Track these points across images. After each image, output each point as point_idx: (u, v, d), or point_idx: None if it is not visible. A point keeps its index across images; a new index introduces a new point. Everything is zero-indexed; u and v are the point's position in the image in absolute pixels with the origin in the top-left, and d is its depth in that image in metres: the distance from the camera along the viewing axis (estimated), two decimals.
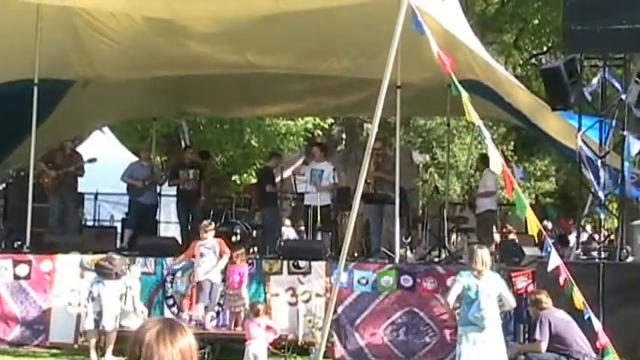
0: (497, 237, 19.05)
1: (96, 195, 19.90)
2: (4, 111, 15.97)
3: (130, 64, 17.10)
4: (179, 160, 19.94)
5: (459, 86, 11.47)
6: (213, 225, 14.47)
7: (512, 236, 20.42)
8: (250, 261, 14.45)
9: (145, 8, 15.70)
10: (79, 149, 18.64)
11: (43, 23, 14.62)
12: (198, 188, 18.22)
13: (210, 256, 14.01)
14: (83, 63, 17.30)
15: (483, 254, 10.90)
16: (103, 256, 13.68)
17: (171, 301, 14.61)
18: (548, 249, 11.16)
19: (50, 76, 15.91)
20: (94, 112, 19.93)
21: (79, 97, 18.12)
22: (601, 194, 13.68)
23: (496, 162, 11.40)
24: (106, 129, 24.42)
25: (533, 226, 11.00)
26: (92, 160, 17.53)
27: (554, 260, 11.08)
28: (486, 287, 10.71)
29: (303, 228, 19.21)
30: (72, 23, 15.78)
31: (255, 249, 17.71)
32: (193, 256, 14.14)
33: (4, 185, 19.90)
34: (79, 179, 17.74)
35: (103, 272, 13.30)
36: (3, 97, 15.55)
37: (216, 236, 14.37)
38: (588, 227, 17.49)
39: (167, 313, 14.51)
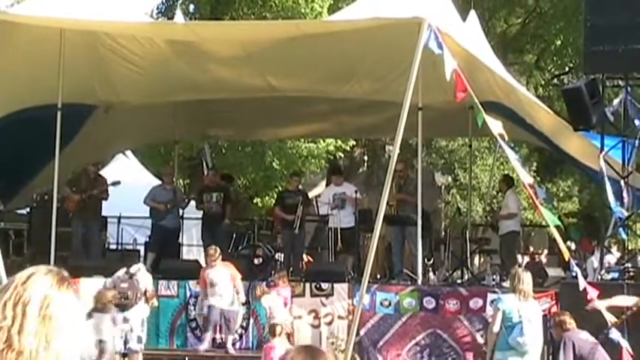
0: (519, 258, 18.98)
1: (119, 218, 19.98)
2: (29, 135, 16.11)
3: (152, 88, 17.18)
4: (203, 183, 19.99)
5: (478, 103, 11.52)
6: (218, 253, 14.42)
7: (538, 258, 20.40)
8: (293, 284, 14.48)
9: (167, 32, 15.85)
10: (102, 173, 18.72)
11: (66, 48, 14.72)
12: (222, 211, 18.18)
13: (222, 284, 14.01)
14: (106, 87, 17.40)
15: (527, 277, 10.89)
16: (114, 293, 13.61)
17: (194, 324, 14.64)
18: (574, 270, 11.16)
19: (73, 100, 15.98)
20: (116, 135, 20.03)
21: (101, 121, 18.22)
22: (625, 214, 13.63)
23: (524, 175, 11.56)
24: (128, 152, 24.54)
25: (564, 248, 11.05)
26: (116, 183, 17.61)
27: (582, 282, 11.09)
28: (529, 312, 10.67)
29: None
30: (95, 48, 15.89)
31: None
32: (204, 286, 14.18)
33: (27, 209, 20.00)
34: (103, 203, 17.80)
35: (124, 306, 13.38)
36: (27, 121, 15.68)
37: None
38: (614, 248, 17.37)
39: (190, 336, 14.55)
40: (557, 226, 12.55)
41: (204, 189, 18.76)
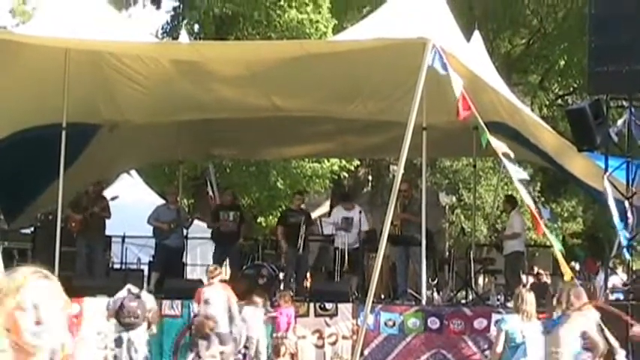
0: (524, 278, 18.93)
1: (123, 238, 19.97)
2: (33, 154, 16.13)
3: (157, 107, 17.20)
4: (217, 202, 20.05)
5: (482, 123, 11.53)
6: (219, 270, 14.36)
7: (542, 279, 20.36)
8: (297, 304, 14.45)
9: (172, 52, 15.88)
10: (106, 192, 18.73)
11: (71, 67, 14.74)
12: (237, 230, 18.21)
13: (217, 304, 13.82)
14: (110, 107, 17.42)
15: (530, 297, 10.85)
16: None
17: None
18: None
19: (78, 120, 16.01)
20: (121, 155, 20.05)
21: (106, 140, 18.24)
22: (627, 235, 13.60)
23: (527, 197, 11.56)
24: (133, 172, 24.56)
25: (566, 269, 11.03)
26: (114, 198, 17.63)
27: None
28: (532, 332, 10.63)
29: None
30: (100, 67, 15.93)
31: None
32: (199, 303, 14.05)
33: (32, 229, 19.99)
34: (107, 222, 17.80)
35: (130, 325, 13.34)
36: (32, 140, 15.70)
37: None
38: (619, 269, 17.34)
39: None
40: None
41: (220, 207, 18.77)
